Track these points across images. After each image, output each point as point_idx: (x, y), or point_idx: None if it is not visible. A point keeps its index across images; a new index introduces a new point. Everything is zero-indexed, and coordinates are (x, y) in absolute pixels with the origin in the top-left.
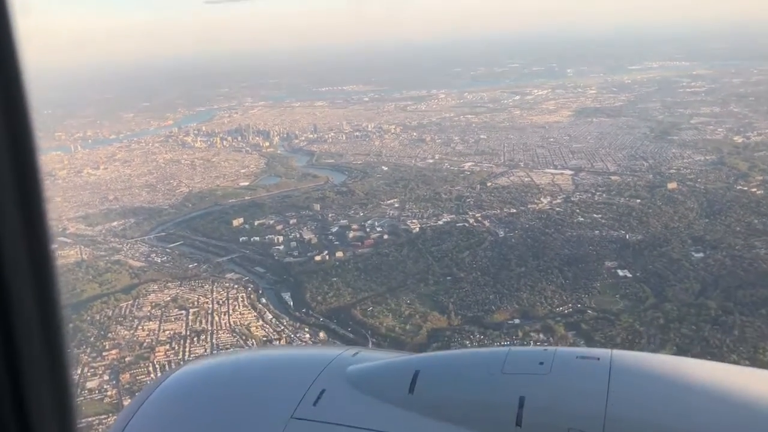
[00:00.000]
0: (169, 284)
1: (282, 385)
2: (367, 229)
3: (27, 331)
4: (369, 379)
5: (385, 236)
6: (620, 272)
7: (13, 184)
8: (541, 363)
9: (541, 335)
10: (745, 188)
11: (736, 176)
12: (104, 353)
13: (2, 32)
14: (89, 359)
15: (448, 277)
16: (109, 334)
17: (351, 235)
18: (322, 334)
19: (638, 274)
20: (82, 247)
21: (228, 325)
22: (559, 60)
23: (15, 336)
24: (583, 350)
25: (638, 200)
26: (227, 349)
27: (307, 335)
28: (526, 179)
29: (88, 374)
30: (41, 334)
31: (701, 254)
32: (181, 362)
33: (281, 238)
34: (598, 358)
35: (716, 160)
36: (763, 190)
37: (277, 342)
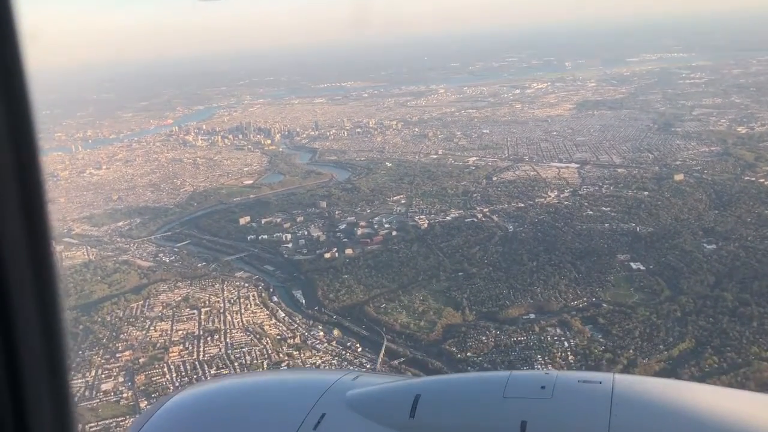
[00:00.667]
0: (179, 284)
1: (282, 409)
2: (375, 226)
3: (28, 334)
4: (369, 403)
5: (394, 233)
6: (633, 265)
7: (16, 186)
8: (543, 387)
9: (558, 330)
10: (753, 179)
11: (743, 167)
12: (117, 355)
13: (7, 36)
14: (102, 361)
15: (460, 273)
16: (122, 335)
17: (359, 231)
18: (336, 332)
19: (651, 267)
20: (89, 247)
21: (241, 324)
22: (557, 54)
23: (15, 339)
24: (585, 374)
25: (646, 192)
26: (242, 348)
27: (321, 333)
28: (532, 173)
29: (103, 376)
30: (42, 337)
31: (713, 246)
32: (196, 361)
33: (289, 236)
34: (600, 382)
35: (721, 151)
36: None
37: (291, 340)
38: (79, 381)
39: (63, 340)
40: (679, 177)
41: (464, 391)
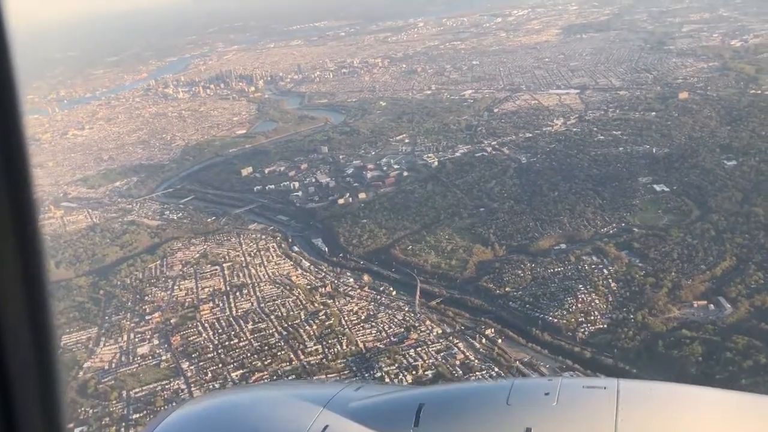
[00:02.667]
0: (193, 240)
1: (284, 422)
2: (384, 168)
3: (14, 320)
4: (373, 413)
5: (405, 173)
6: (656, 187)
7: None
8: (547, 394)
9: (594, 258)
10: (758, 92)
11: (746, 81)
12: (147, 317)
13: None
14: (132, 325)
15: (481, 209)
16: (146, 297)
17: (369, 175)
18: (366, 278)
19: (675, 188)
20: (90, 210)
21: (267, 276)
22: None
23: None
24: (590, 380)
25: (653, 113)
26: (275, 300)
27: (351, 279)
28: (533, 102)
29: (136, 340)
30: (29, 323)
31: (734, 162)
32: (230, 317)
33: (297, 184)
34: (605, 387)
35: (720, 66)
36: None
37: (323, 289)
38: (113, 347)
39: (51, 326)
40: (683, 95)
41: (468, 399)
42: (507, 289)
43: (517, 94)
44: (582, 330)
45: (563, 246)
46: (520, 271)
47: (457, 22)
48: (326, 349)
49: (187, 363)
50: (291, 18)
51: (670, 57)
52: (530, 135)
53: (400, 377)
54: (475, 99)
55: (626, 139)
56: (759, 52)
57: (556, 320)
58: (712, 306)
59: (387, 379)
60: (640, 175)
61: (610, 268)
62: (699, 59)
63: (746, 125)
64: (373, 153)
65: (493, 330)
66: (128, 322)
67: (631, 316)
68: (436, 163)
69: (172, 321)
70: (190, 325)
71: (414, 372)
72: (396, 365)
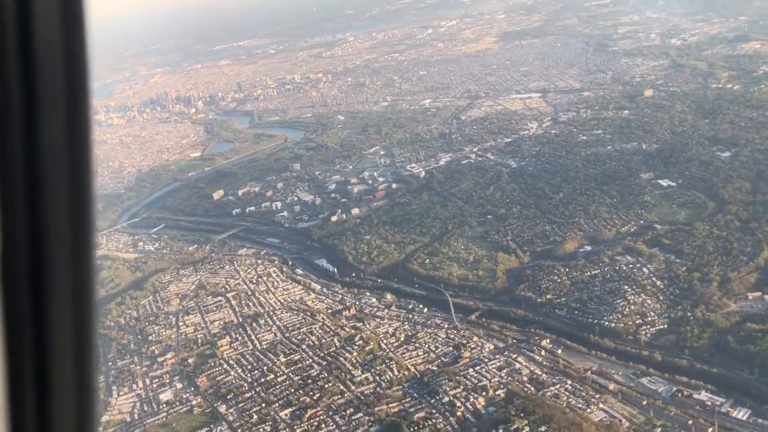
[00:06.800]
0: (182, 272)
1: None
2: (369, 181)
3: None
4: None
5: (394, 185)
6: (662, 182)
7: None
8: None
9: (628, 257)
10: (720, 86)
11: (703, 76)
12: (159, 359)
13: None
14: (145, 369)
15: (489, 216)
16: (151, 337)
17: (355, 189)
18: (389, 296)
19: (681, 182)
20: None
21: (279, 303)
22: None
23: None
24: None
25: (626, 111)
26: (299, 328)
27: (373, 300)
28: (498, 107)
29: (154, 386)
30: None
31: (728, 153)
32: (256, 351)
33: (279, 204)
34: None
35: (671, 64)
36: (738, 85)
37: (347, 312)
38: (129, 395)
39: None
40: (648, 92)
41: None
42: (548, 296)
43: (479, 101)
44: (643, 332)
45: (589, 248)
46: (555, 277)
47: (388, 35)
48: (377, 377)
49: (224, 406)
50: (210, 38)
51: (618, 57)
52: (509, 139)
53: (471, 400)
54: (438, 108)
55: (610, 138)
56: (702, 49)
57: (612, 324)
58: (767, 297)
59: (458, 404)
60: (640, 171)
61: (649, 266)
62: (647, 58)
63: (723, 117)
64: (351, 167)
65: (548, 341)
66: (138, 367)
67: (689, 314)
68: (423, 173)
69: (189, 361)
70: (212, 364)
71: (485, 393)
72: (461, 388)
